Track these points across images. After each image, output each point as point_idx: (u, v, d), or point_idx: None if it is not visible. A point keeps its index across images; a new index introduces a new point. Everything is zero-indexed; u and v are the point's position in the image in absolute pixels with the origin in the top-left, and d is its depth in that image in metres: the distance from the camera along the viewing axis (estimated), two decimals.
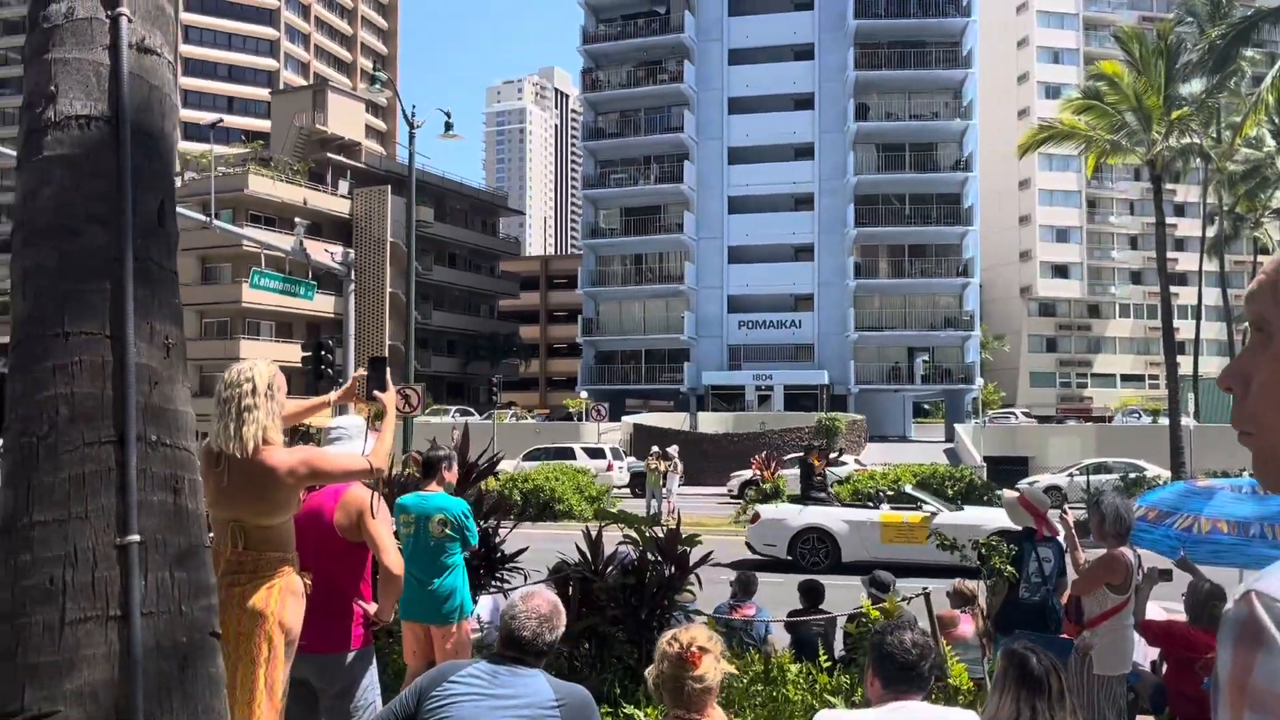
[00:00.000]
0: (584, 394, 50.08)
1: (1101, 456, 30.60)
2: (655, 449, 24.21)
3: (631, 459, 33.03)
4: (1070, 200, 78.02)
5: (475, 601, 6.63)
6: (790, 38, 55.07)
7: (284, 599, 3.48)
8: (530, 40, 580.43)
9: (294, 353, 45.49)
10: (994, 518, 13.93)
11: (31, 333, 2.58)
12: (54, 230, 2.60)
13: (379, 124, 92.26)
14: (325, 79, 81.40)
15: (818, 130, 54.27)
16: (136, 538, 2.51)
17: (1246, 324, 1.20)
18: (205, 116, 61.73)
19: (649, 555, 6.14)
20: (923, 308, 53.54)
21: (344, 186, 60.82)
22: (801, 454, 16.87)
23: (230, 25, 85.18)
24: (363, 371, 4.14)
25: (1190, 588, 6.09)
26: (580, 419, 43.73)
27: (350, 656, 4.15)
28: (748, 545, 15.82)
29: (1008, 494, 7.18)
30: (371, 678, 4.23)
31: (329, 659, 4.07)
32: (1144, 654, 6.41)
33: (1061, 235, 78.57)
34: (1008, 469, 28.64)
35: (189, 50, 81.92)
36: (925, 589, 6.51)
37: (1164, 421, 32.54)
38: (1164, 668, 6.27)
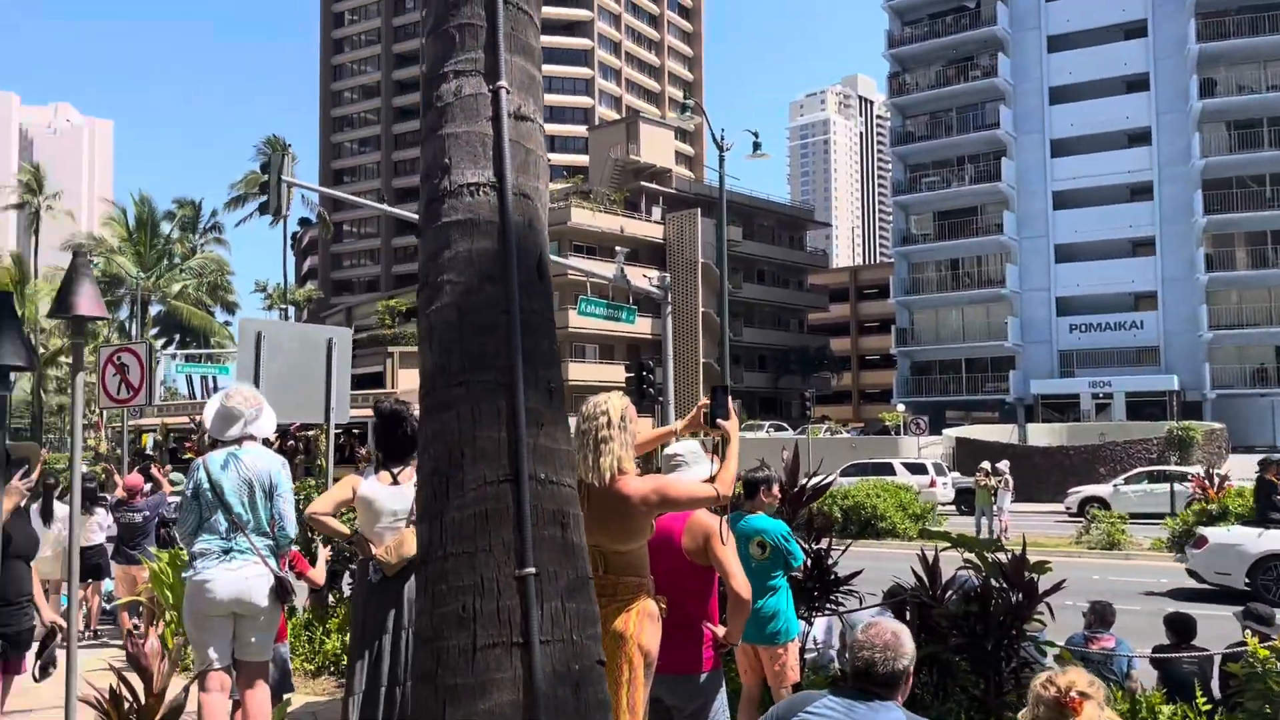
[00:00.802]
0: (900, 406, 48.99)
1: None
2: (985, 464, 23.00)
3: (955, 474, 31.67)
4: None
5: (810, 623, 6.61)
6: (1119, 16, 51.32)
7: (642, 622, 3.61)
8: (831, 51, 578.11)
9: (617, 373, 48.20)
10: None
11: (439, 383, 2.87)
12: (453, 288, 2.88)
13: (686, 149, 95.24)
14: (637, 111, 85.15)
15: (1154, 112, 50.16)
16: (533, 570, 2.71)
17: None
18: None
19: (993, 581, 5.83)
20: None
21: (656, 212, 63.33)
22: (1259, 469, 15.34)
23: (550, 69, 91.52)
24: (706, 400, 4.26)
25: None
26: (897, 433, 42.77)
27: (703, 678, 4.24)
28: (1189, 573, 14.32)
29: None
30: (722, 700, 4.31)
31: (682, 680, 4.18)
32: None
33: None
34: None
35: None
36: None
37: None
38: None
